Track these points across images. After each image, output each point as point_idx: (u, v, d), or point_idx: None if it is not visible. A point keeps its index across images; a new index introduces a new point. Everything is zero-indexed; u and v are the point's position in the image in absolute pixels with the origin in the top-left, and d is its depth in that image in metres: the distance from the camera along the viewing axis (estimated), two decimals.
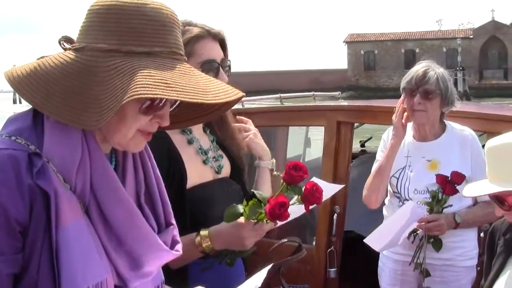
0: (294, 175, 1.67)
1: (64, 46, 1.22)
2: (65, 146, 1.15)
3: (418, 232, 2.77)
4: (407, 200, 2.86)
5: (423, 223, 2.72)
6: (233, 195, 1.98)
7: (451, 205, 2.76)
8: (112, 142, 1.23)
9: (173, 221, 1.36)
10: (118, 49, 1.15)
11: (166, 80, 1.12)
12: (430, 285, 2.81)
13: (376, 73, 60.77)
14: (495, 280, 2.04)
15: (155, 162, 1.36)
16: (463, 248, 2.88)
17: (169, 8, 1.22)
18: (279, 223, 1.73)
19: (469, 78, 50.50)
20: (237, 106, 3.94)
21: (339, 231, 3.60)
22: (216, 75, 1.89)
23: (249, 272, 1.85)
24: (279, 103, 4.87)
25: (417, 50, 58.07)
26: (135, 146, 1.25)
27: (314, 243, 3.70)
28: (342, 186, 2.34)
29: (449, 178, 2.71)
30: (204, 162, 1.97)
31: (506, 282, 1.99)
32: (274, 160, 2.26)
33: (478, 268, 2.84)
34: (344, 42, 62.84)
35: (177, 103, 1.25)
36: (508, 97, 41.77)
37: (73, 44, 1.20)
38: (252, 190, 2.07)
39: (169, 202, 1.36)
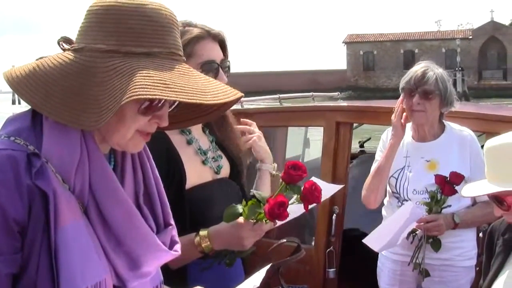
0: (293, 174, 1.67)
1: (63, 46, 1.22)
2: (64, 147, 1.15)
3: (417, 232, 2.77)
4: (406, 200, 2.87)
5: (422, 223, 2.73)
6: (232, 195, 1.98)
7: (450, 206, 2.76)
8: (111, 142, 1.23)
9: (172, 222, 1.36)
10: (117, 49, 1.15)
11: (165, 80, 1.12)
12: (429, 285, 2.81)
13: (375, 74, 60.80)
14: (494, 280, 2.04)
15: (153, 163, 1.36)
16: (462, 248, 2.88)
17: (168, 8, 1.22)
18: (279, 223, 1.73)
19: (468, 79, 50.48)
20: (236, 107, 3.95)
21: (338, 231, 3.61)
22: (216, 75, 1.89)
23: (248, 272, 1.85)
24: (278, 103, 4.88)
25: (416, 51, 58.11)
26: (134, 147, 1.25)
27: (313, 243, 3.70)
28: (341, 186, 2.35)
29: (448, 179, 2.71)
30: (203, 162, 1.97)
31: (505, 282, 1.99)
32: (275, 164, 2.26)
33: (477, 268, 2.84)
34: (343, 42, 62.87)
35: (176, 104, 1.26)
36: (507, 98, 41.82)
37: (72, 45, 1.20)
38: (251, 190, 2.07)
39: (167, 203, 1.37)
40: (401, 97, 2.89)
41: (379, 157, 2.99)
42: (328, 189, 2.06)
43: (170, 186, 1.74)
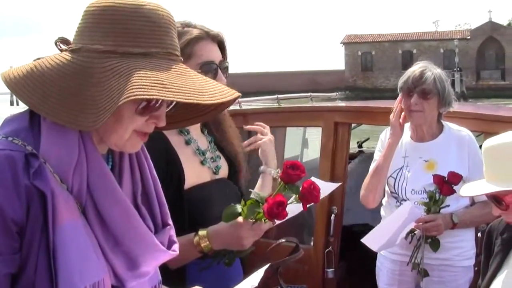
0: (291, 174, 1.67)
1: (60, 47, 1.22)
2: (62, 147, 1.15)
3: (415, 232, 2.78)
4: (405, 200, 2.87)
5: (421, 223, 2.73)
6: (231, 195, 1.98)
7: (448, 205, 2.77)
8: (109, 143, 1.23)
9: (170, 222, 1.36)
10: (114, 50, 1.15)
11: (162, 80, 1.12)
12: (428, 285, 2.81)
13: (373, 74, 60.83)
14: (492, 279, 2.04)
15: (151, 163, 1.37)
16: (461, 248, 2.88)
17: (165, 9, 1.22)
18: (277, 222, 1.73)
19: (466, 79, 50.54)
20: (234, 107, 3.95)
21: (336, 231, 3.61)
22: (215, 76, 1.89)
23: (247, 272, 1.85)
24: (277, 104, 4.88)
25: (414, 51, 58.14)
26: (131, 147, 1.25)
27: (312, 243, 3.70)
28: (339, 184, 2.35)
29: (446, 179, 2.71)
30: (202, 162, 1.97)
31: (504, 282, 2.00)
32: (279, 170, 2.26)
33: (476, 268, 2.85)
34: (341, 43, 62.90)
35: (173, 104, 1.26)
36: (505, 98, 41.92)
37: (69, 45, 1.20)
38: (250, 190, 2.07)
39: (165, 203, 1.37)
40: (399, 97, 2.89)
41: (377, 156, 2.99)
42: (326, 188, 2.06)
43: (169, 186, 1.74)
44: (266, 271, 1.61)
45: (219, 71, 1.95)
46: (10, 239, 1.10)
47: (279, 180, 2.19)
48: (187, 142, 1.97)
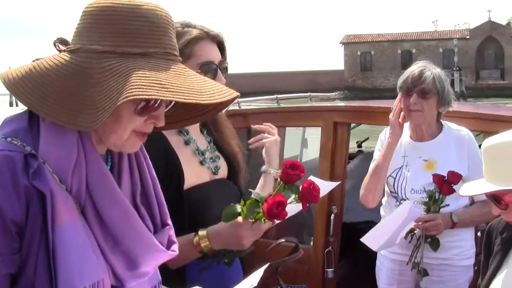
0: (291, 174, 1.67)
1: (59, 48, 1.22)
2: (61, 147, 1.15)
3: (415, 231, 2.78)
4: (404, 200, 2.87)
5: (420, 223, 2.73)
6: (230, 195, 1.98)
7: (448, 205, 2.77)
8: (108, 143, 1.23)
9: (169, 222, 1.36)
10: (112, 50, 1.15)
11: (161, 80, 1.12)
12: (428, 284, 2.81)
13: (372, 74, 60.84)
14: (492, 279, 2.04)
15: (150, 163, 1.37)
16: (461, 247, 2.88)
17: (163, 9, 1.22)
18: (277, 221, 1.73)
19: (465, 79, 50.42)
20: (233, 107, 3.95)
21: (336, 231, 3.61)
22: (214, 77, 1.89)
23: (247, 272, 1.85)
24: (276, 104, 4.88)
25: (413, 51, 58.15)
26: (130, 147, 1.25)
27: (311, 243, 3.70)
28: (338, 183, 2.36)
29: (446, 178, 2.71)
30: (201, 163, 1.97)
31: (503, 281, 2.00)
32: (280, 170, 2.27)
33: (475, 268, 2.85)
34: (340, 43, 62.93)
35: (172, 104, 1.26)
36: (504, 97, 41.92)
37: (68, 46, 1.20)
38: (250, 190, 2.07)
39: (165, 203, 1.37)
40: (398, 97, 2.90)
41: (377, 156, 2.99)
42: (325, 187, 2.06)
43: (168, 186, 1.74)
44: (265, 271, 1.61)
45: (219, 71, 1.95)
46: (10, 239, 1.10)
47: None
48: (187, 142, 1.97)
